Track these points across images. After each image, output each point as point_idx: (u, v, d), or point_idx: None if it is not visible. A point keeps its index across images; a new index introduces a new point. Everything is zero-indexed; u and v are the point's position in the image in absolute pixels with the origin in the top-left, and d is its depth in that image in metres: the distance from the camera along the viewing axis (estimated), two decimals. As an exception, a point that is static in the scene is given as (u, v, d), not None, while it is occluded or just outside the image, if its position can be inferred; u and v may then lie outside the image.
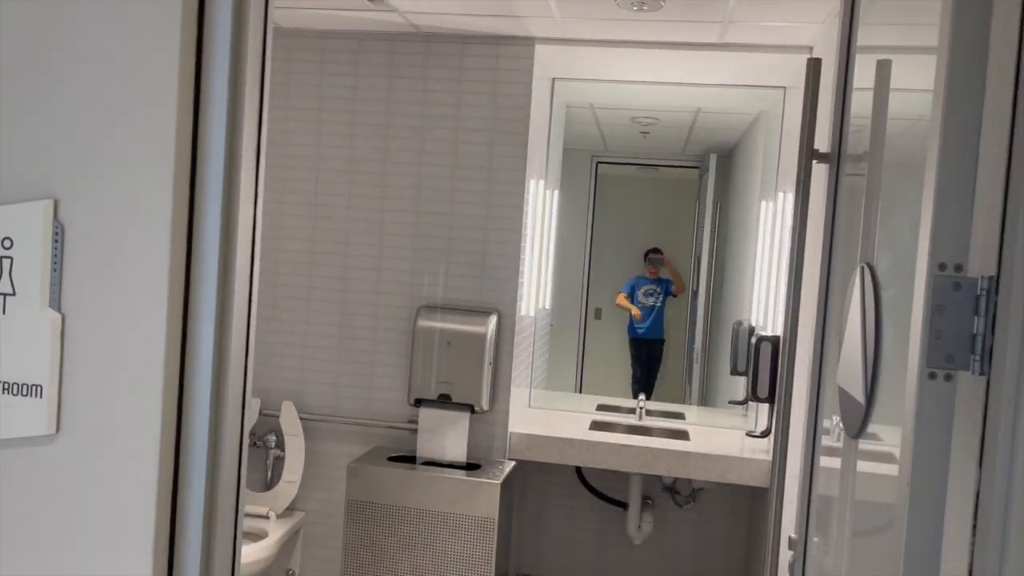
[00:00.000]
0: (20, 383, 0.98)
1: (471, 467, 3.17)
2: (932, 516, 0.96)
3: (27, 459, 0.99)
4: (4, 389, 0.98)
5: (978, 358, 0.97)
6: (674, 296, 5.57)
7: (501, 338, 3.31)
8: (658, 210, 5.98)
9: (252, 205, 1.11)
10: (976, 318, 0.97)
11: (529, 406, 3.76)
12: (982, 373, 0.96)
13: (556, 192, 4.10)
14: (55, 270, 0.99)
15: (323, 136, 3.43)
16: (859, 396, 1.32)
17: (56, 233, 1.00)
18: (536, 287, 3.74)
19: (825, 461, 1.68)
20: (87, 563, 1.00)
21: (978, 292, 0.97)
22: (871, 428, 1.33)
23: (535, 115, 3.37)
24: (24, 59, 1.00)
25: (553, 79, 3.70)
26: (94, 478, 0.99)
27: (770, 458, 3.23)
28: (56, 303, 0.99)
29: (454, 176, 3.34)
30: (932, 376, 1.00)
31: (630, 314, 5.61)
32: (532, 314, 3.74)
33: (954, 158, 1.00)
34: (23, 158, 1.00)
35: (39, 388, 0.98)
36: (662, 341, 5.64)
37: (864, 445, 1.37)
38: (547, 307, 4.22)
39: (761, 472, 3.23)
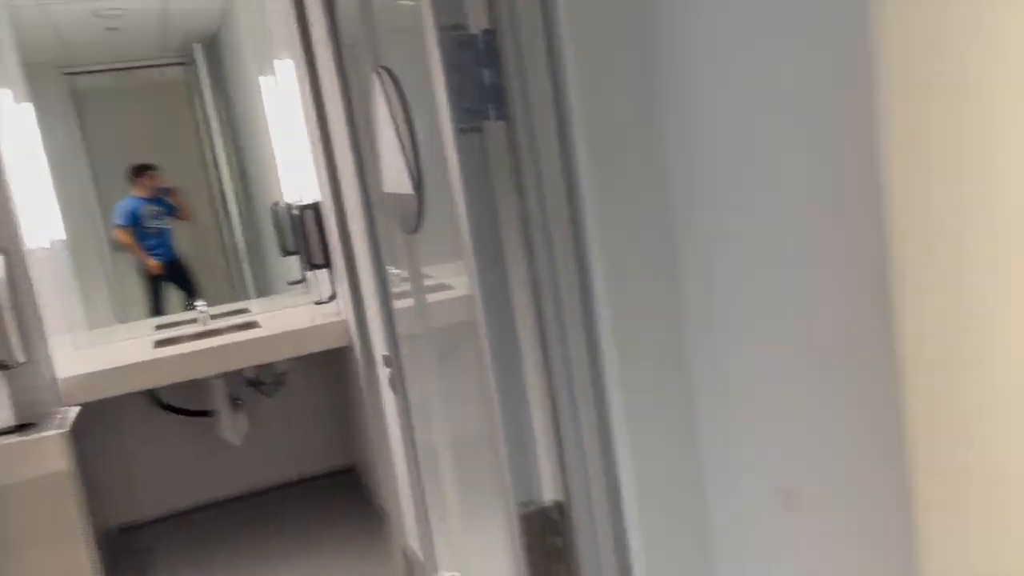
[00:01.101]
0: None
1: (24, 427, 2.74)
2: (491, 246, 1.10)
3: None
4: None
5: (494, 105, 1.10)
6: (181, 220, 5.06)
7: (16, 278, 2.84)
8: (154, 119, 5.48)
9: None
10: (485, 71, 1.10)
11: (76, 348, 3.34)
12: (500, 118, 1.10)
13: (32, 105, 3.53)
14: None
15: None
16: (409, 189, 1.43)
17: None
18: (39, 215, 3.25)
19: (395, 283, 1.80)
20: None
21: (479, 46, 1.09)
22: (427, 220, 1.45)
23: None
24: None
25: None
26: None
27: (339, 319, 3.36)
28: None
29: None
30: (463, 131, 1.12)
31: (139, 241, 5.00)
32: (47, 247, 3.26)
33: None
34: None
35: None
36: (179, 259, 5.18)
37: (424, 237, 1.49)
38: (63, 239, 3.71)
39: (337, 333, 3.35)
